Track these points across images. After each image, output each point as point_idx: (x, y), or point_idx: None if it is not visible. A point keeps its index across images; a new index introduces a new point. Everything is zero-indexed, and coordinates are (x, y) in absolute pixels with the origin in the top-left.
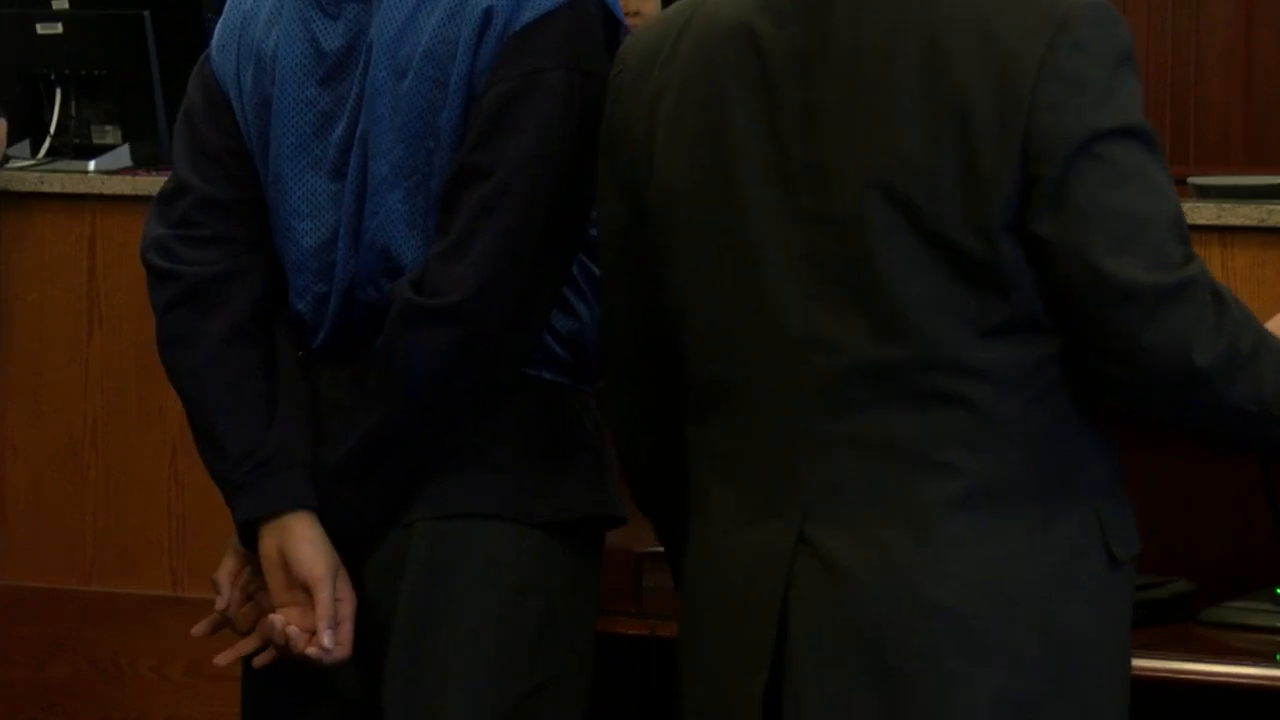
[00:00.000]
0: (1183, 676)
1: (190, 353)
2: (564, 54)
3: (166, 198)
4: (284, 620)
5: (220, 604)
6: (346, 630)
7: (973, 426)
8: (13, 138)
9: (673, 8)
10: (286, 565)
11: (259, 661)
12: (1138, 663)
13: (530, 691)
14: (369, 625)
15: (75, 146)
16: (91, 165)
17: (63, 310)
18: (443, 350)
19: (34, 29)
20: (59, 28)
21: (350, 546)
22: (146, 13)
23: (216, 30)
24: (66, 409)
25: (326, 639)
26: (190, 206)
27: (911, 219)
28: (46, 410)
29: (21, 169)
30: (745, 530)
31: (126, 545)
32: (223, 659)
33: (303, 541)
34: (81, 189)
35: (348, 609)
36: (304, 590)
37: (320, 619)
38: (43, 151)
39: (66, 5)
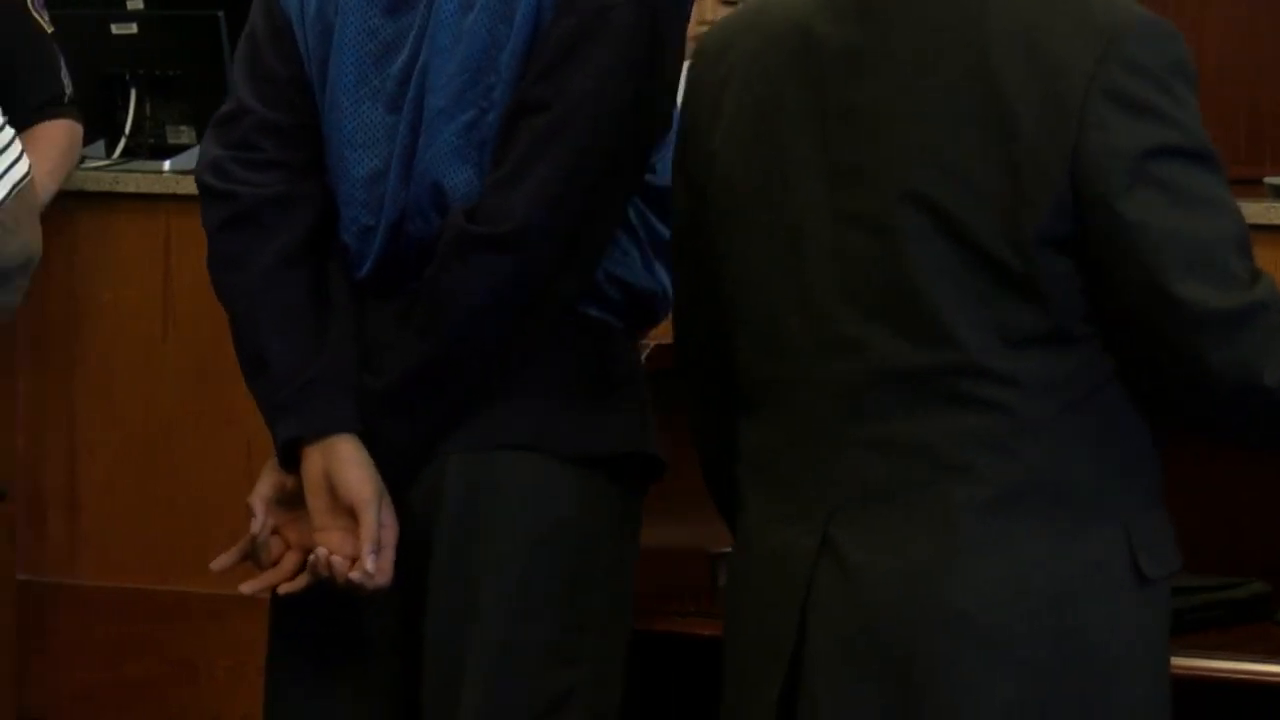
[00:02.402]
0: (1261, 678)
1: (243, 273)
2: None
3: (224, 120)
4: (326, 551)
5: (255, 527)
6: (388, 557)
7: (1001, 432)
8: (88, 138)
9: (748, 2)
10: (332, 487)
11: (285, 589)
12: (1215, 664)
13: (570, 628)
14: (410, 557)
15: (150, 147)
16: (166, 165)
17: (137, 310)
18: (494, 279)
19: (109, 29)
20: (134, 28)
21: (392, 477)
22: (221, 13)
23: None
24: (140, 409)
25: (370, 563)
26: (249, 129)
27: (946, 226)
28: (120, 410)
29: (97, 169)
30: (775, 530)
31: (200, 545)
32: (248, 587)
33: (350, 464)
34: (156, 189)
35: (390, 535)
36: (347, 514)
37: (364, 542)
38: (118, 152)
39: (141, 6)
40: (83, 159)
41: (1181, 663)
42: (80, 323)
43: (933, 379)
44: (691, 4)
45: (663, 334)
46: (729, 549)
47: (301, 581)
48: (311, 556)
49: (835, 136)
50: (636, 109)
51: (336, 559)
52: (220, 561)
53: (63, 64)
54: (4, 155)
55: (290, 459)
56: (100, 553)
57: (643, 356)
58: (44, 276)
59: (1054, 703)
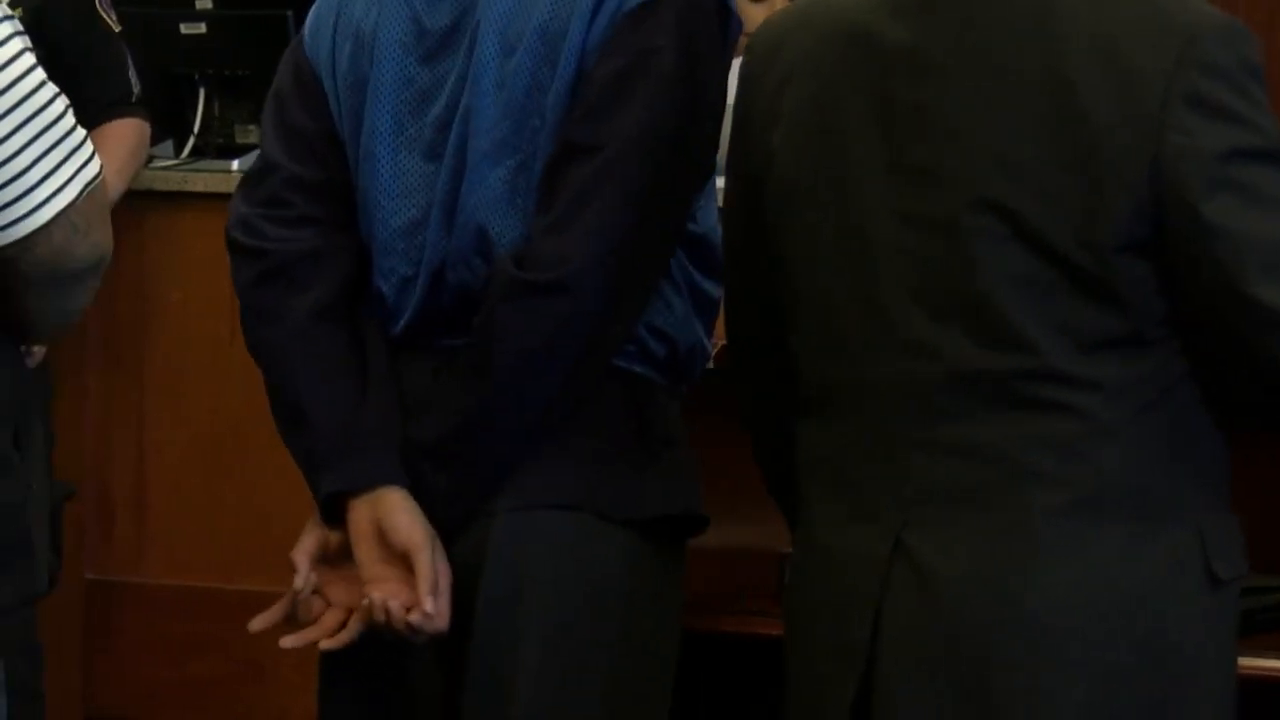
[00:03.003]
0: None
1: (277, 328)
2: (677, 35)
3: (253, 177)
4: (382, 596)
5: (298, 583)
6: (445, 601)
7: (1074, 436)
8: (156, 138)
9: (803, 2)
10: (382, 535)
11: (326, 645)
12: None
13: (607, 693)
14: (453, 612)
15: (218, 146)
16: (235, 165)
17: (205, 310)
18: (545, 325)
19: (178, 29)
20: (202, 28)
21: (441, 533)
22: (289, 13)
23: (310, 15)
24: (208, 408)
25: (429, 604)
26: (278, 186)
27: (1019, 230)
28: (188, 409)
29: (165, 169)
30: (845, 534)
31: (267, 544)
32: (288, 642)
33: (400, 511)
34: (225, 188)
35: (446, 581)
36: (398, 563)
37: (423, 582)
38: (186, 151)
39: (210, 6)
40: (151, 158)
41: (1254, 663)
42: (149, 322)
43: (1005, 383)
44: (733, 52)
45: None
46: None
47: (343, 638)
48: (365, 602)
49: (900, 137)
50: (680, 152)
51: (394, 603)
52: (259, 621)
53: (130, 63)
54: (76, 155)
55: (334, 513)
56: (167, 552)
57: (711, 355)
58: (113, 276)
59: (1129, 706)
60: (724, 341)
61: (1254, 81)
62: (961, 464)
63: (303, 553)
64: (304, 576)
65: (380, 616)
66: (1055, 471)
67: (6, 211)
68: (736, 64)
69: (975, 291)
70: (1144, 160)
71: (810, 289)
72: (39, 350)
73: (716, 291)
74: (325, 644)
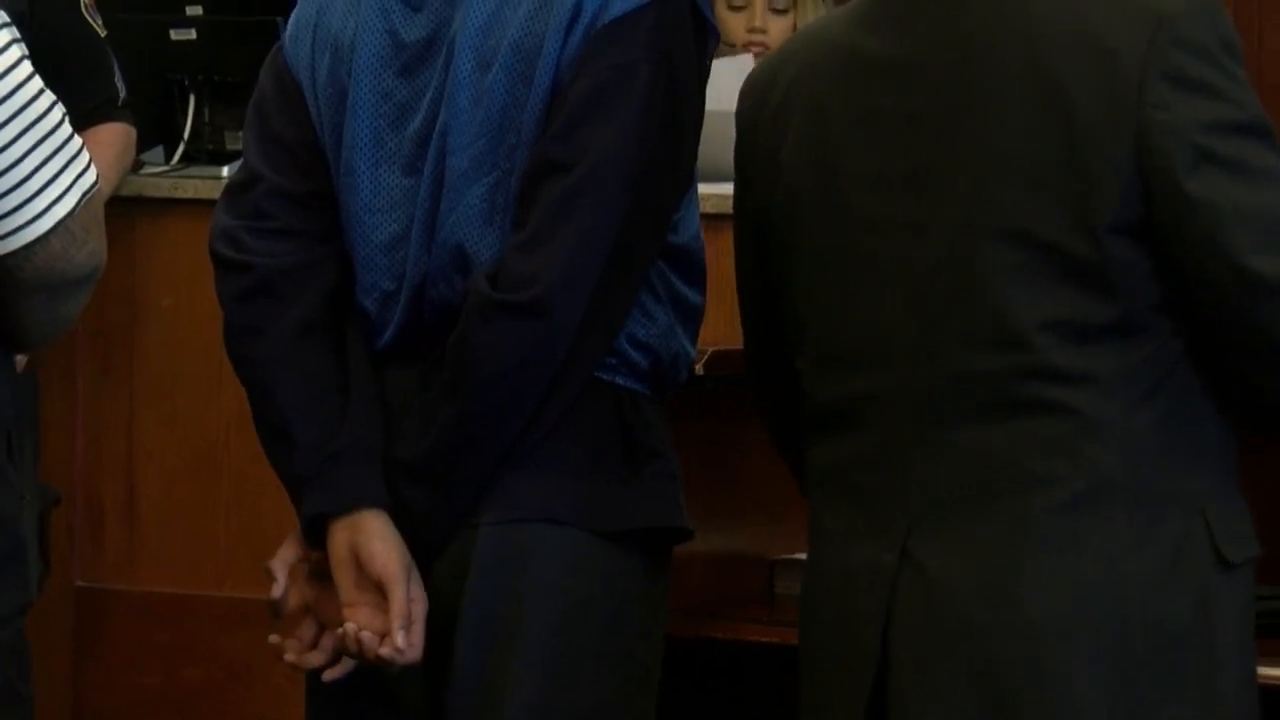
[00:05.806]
0: None
1: (261, 344)
2: (653, 49)
3: (236, 189)
4: (355, 627)
5: (276, 591)
6: (418, 632)
7: (1072, 433)
8: (147, 144)
9: (786, 40)
10: (358, 563)
11: (329, 675)
12: None
13: (595, 705)
14: (435, 628)
15: (209, 152)
16: (225, 171)
17: (197, 316)
18: (518, 346)
19: (168, 35)
20: (193, 34)
21: (418, 547)
22: (280, 19)
23: (290, 20)
24: (200, 414)
25: (400, 639)
26: (261, 197)
27: (1013, 225)
28: (180, 415)
29: (155, 175)
30: (853, 546)
31: (259, 550)
32: (293, 659)
33: (376, 538)
34: (215, 195)
35: (420, 610)
36: (375, 589)
37: (395, 618)
38: (176, 158)
39: (200, 12)
40: (141, 164)
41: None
42: (139, 329)
43: (1004, 383)
44: (710, 60)
45: (718, 340)
46: (787, 556)
47: (344, 666)
48: (339, 632)
49: (886, 147)
50: (657, 168)
51: (366, 635)
52: (277, 638)
53: (116, 68)
54: (75, 163)
55: (316, 535)
56: (158, 559)
57: (701, 363)
58: (102, 282)
59: (1150, 698)
60: (712, 349)
61: (1229, 57)
62: (963, 469)
63: (279, 561)
64: (281, 585)
65: (353, 647)
66: (1054, 470)
67: (7, 220)
68: (735, 66)
69: (971, 294)
70: (1126, 140)
71: (812, 307)
72: (22, 358)
73: (700, 300)
74: (326, 676)
